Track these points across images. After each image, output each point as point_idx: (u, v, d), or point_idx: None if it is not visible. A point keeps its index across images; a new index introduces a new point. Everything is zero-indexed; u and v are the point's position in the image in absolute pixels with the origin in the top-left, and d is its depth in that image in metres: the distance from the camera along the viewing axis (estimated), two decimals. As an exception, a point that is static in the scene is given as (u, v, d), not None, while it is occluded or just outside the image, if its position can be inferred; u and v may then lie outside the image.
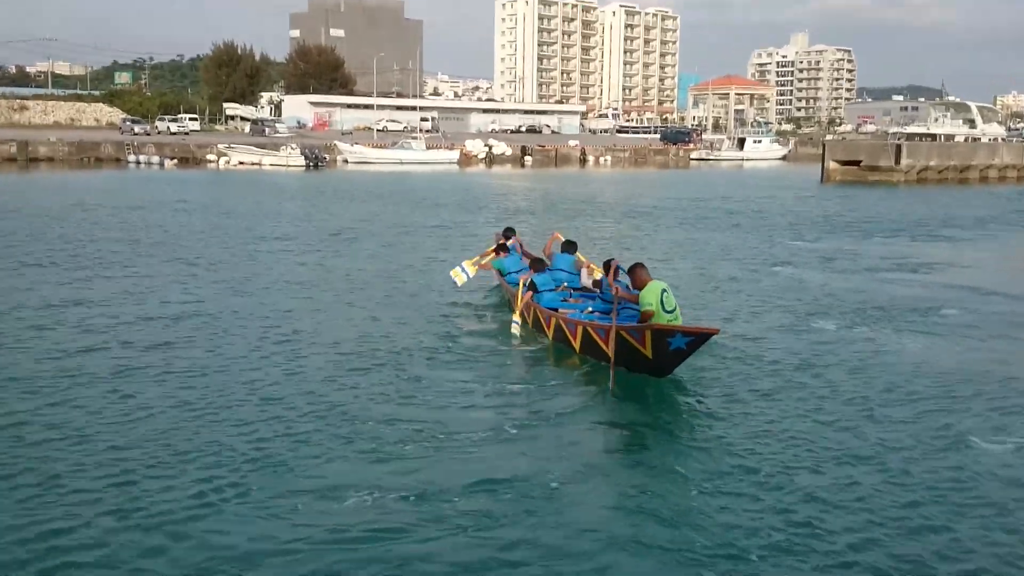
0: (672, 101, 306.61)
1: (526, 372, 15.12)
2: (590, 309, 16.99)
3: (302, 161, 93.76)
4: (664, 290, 14.82)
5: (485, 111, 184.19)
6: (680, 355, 14.13)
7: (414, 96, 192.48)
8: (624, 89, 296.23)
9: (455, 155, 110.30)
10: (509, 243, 21.88)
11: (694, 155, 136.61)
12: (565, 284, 18.74)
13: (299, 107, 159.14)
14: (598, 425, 12.58)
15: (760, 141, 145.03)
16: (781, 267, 27.66)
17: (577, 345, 15.79)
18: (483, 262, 21.45)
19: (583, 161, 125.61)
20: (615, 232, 36.99)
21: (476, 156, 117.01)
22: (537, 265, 18.57)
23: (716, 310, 20.39)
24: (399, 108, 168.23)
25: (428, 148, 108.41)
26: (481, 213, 45.36)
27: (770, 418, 12.97)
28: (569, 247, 19.64)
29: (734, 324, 18.87)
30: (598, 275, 18.29)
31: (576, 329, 15.77)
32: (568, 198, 57.04)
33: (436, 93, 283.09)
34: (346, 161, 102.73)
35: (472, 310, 19.99)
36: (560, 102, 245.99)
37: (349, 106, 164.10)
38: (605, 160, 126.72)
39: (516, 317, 17.68)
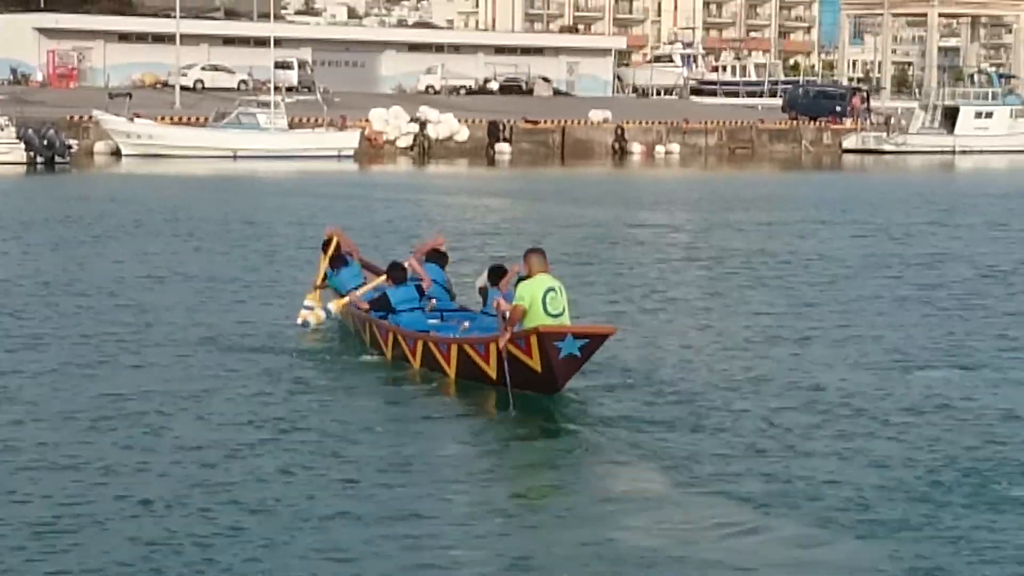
0: (809, 30, 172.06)
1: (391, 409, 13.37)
2: (467, 325, 14.84)
3: (22, 154, 52.91)
4: (551, 289, 13.10)
5: (414, 48, 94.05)
6: (573, 364, 12.97)
7: (262, 17, 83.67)
8: (707, 5, 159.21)
9: (350, 140, 63.35)
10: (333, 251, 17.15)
11: (849, 141, 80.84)
12: (435, 301, 15.51)
13: (15, 39, 79.73)
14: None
15: (991, 113, 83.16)
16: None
17: (452, 368, 14.09)
18: (320, 284, 17.07)
19: (620, 153, 73.53)
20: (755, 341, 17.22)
21: (392, 142, 67.97)
22: (394, 274, 15.35)
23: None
24: (230, 42, 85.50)
25: (292, 127, 63.11)
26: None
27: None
28: (439, 258, 16.37)
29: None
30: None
31: (449, 349, 14.05)
32: (591, 247, 28.52)
33: (311, 10, 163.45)
34: (117, 152, 58.52)
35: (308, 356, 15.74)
36: (572, 31, 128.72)
37: (122, 37, 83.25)
38: (667, 152, 75.30)
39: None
